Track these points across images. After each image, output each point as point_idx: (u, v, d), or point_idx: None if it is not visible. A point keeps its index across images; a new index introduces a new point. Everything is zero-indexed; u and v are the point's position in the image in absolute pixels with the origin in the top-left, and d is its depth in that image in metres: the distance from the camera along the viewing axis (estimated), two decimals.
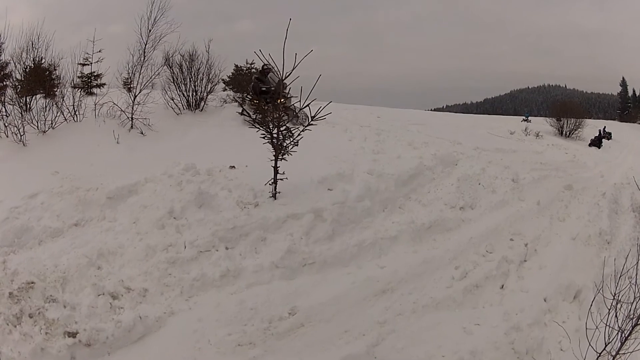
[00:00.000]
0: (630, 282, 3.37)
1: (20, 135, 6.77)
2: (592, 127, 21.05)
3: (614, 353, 3.31)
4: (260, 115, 6.06)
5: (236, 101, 10.36)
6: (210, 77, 9.80)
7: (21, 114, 7.14)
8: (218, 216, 5.24)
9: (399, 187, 6.75)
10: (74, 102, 7.77)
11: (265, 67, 9.03)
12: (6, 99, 7.40)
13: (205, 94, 9.77)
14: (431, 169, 7.64)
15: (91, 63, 10.42)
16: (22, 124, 6.83)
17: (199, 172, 6.04)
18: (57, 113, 7.47)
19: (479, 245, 5.97)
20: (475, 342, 4.26)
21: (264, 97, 8.71)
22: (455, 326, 4.47)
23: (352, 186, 6.30)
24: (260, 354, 3.86)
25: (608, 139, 20.64)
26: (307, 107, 5.47)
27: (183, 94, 9.54)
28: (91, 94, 9.56)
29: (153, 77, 8.55)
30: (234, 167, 6.43)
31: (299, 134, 5.77)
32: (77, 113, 7.82)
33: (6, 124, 6.85)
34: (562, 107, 22.24)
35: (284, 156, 5.75)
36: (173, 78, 9.42)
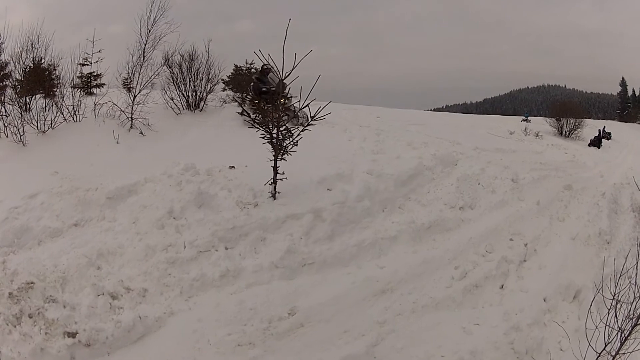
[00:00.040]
0: (630, 282, 3.37)
1: (20, 135, 6.77)
2: (591, 127, 21.04)
3: (613, 353, 3.30)
4: (260, 116, 6.06)
5: (236, 101, 10.36)
6: (209, 77, 9.81)
7: (21, 114, 7.14)
8: (218, 216, 5.24)
9: (399, 187, 6.75)
10: (73, 102, 7.78)
11: (265, 67, 9.03)
12: (6, 99, 7.40)
13: (204, 94, 9.77)
14: (431, 169, 7.63)
15: (91, 63, 10.40)
16: (22, 124, 6.83)
17: (198, 172, 6.03)
18: (56, 113, 7.48)
19: (478, 245, 5.97)
20: (475, 342, 4.26)
21: (264, 97, 8.71)
22: (455, 326, 4.47)
23: (352, 186, 6.30)
24: (260, 354, 3.85)
25: (608, 139, 20.65)
26: (307, 107, 5.48)
27: (183, 94, 9.54)
28: (91, 94, 9.54)
29: (153, 77, 8.56)
30: (233, 167, 6.43)
31: (298, 134, 5.77)
32: (76, 113, 7.82)
33: (6, 124, 6.85)
34: (562, 107, 22.25)
35: (283, 156, 5.75)
36: (173, 78, 9.43)
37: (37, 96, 7.66)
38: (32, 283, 3.97)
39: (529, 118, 25.83)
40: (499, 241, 6.20)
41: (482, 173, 8.09)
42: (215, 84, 10.20)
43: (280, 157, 5.74)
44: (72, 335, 3.64)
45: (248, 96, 10.12)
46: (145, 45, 8.43)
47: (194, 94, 9.65)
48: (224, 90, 12.26)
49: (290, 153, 5.76)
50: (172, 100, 9.28)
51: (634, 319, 3.27)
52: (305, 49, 5.27)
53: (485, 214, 6.92)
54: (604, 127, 21.83)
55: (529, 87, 79.36)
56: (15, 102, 7.35)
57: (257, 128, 5.81)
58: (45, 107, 7.34)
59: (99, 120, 7.87)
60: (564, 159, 13.27)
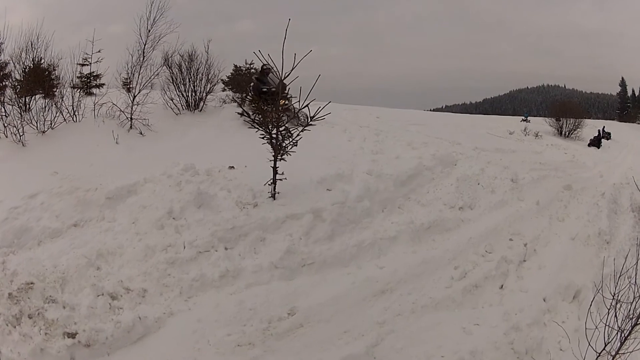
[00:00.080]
0: (629, 282, 3.37)
1: (20, 136, 6.77)
2: (591, 127, 21.04)
3: (613, 353, 3.30)
4: (260, 116, 6.06)
5: (235, 101, 10.36)
6: (209, 77, 9.80)
7: (20, 114, 7.14)
8: (217, 216, 5.24)
9: (398, 188, 6.75)
10: (73, 103, 7.77)
11: (265, 67, 9.02)
12: (5, 99, 7.40)
13: (204, 94, 9.76)
14: (430, 169, 7.63)
15: (90, 63, 10.41)
16: (22, 124, 6.83)
17: (198, 172, 6.03)
18: (56, 113, 7.47)
19: (478, 245, 5.97)
20: (475, 342, 4.26)
21: (265, 98, 8.71)
22: (455, 326, 4.48)
23: (352, 186, 6.30)
24: (260, 355, 3.85)
25: (607, 139, 20.64)
26: (307, 108, 5.48)
27: (182, 94, 9.54)
28: (90, 94, 9.54)
29: (152, 77, 8.55)
30: (233, 167, 6.43)
31: (298, 134, 5.77)
32: (76, 113, 7.81)
33: (5, 124, 6.85)
34: (562, 107, 22.24)
35: (283, 156, 5.75)
36: (172, 78, 9.42)
37: (36, 96, 7.66)
38: (31, 283, 3.97)
39: (529, 118, 25.84)
40: (498, 241, 6.20)
41: (482, 173, 8.09)
42: (215, 84, 10.20)
43: (279, 157, 5.74)
44: (72, 335, 3.64)
45: (248, 96, 10.11)
46: (144, 45, 8.44)
47: (193, 94, 9.64)
48: (224, 90, 12.25)
49: (290, 153, 5.76)
50: (172, 100, 9.28)
51: (633, 319, 3.27)
52: (306, 49, 5.28)
53: (484, 214, 6.92)
54: (604, 127, 21.82)
55: (529, 87, 79.42)
56: (15, 103, 7.35)
57: (257, 128, 5.81)
58: (45, 107, 7.34)
59: (98, 120, 7.86)
60: (564, 159, 13.27)
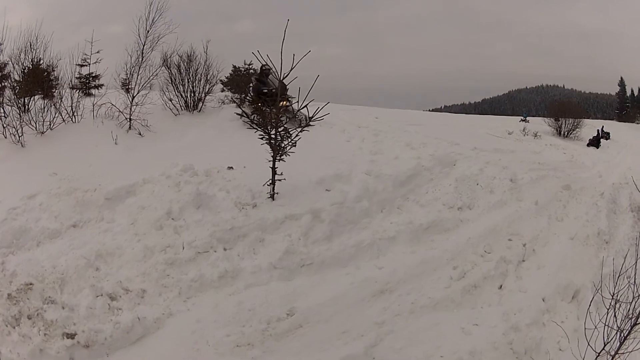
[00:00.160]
0: (628, 282, 3.37)
1: (19, 136, 6.77)
2: (590, 127, 20.98)
3: (612, 353, 3.31)
4: (259, 117, 6.06)
5: (234, 102, 10.35)
6: (208, 77, 9.78)
7: (19, 114, 7.14)
8: (216, 217, 5.24)
9: (397, 188, 6.75)
10: (72, 103, 7.77)
11: (264, 68, 9.01)
12: (4, 99, 7.40)
13: (203, 94, 9.74)
14: (429, 170, 7.63)
15: (89, 64, 10.40)
16: (21, 125, 6.83)
17: (197, 173, 6.04)
18: (55, 114, 7.48)
19: (477, 245, 5.96)
20: (474, 343, 4.26)
21: (265, 99, 8.70)
22: (454, 326, 4.48)
23: (350, 187, 6.30)
24: (259, 355, 3.86)
25: (606, 139, 20.63)
26: (306, 108, 5.48)
27: (181, 95, 9.52)
28: (89, 94, 9.53)
29: (151, 78, 8.57)
30: (232, 168, 6.43)
31: (296, 135, 5.77)
32: (75, 114, 7.81)
33: (4, 125, 6.86)
34: (560, 107, 22.20)
35: (282, 157, 5.75)
36: (171, 79, 9.41)
37: (35, 97, 7.67)
38: (30, 284, 3.97)
39: (528, 118, 25.79)
40: (497, 241, 6.19)
41: (481, 173, 8.08)
42: (214, 85, 10.18)
43: (278, 157, 5.74)
44: (71, 336, 3.64)
45: (248, 97, 10.10)
46: (143, 46, 8.45)
47: (192, 94, 9.62)
48: (223, 91, 12.23)
49: (289, 154, 5.76)
50: (171, 101, 9.27)
51: (633, 319, 3.27)
52: (305, 49, 5.30)
53: (483, 214, 6.92)
54: (603, 127, 21.77)
55: (528, 87, 79.12)
56: (14, 103, 7.36)
57: (256, 129, 5.81)
58: (44, 108, 7.34)
59: (97, 121, 7.86)
60: (563, 159, 13.26)
